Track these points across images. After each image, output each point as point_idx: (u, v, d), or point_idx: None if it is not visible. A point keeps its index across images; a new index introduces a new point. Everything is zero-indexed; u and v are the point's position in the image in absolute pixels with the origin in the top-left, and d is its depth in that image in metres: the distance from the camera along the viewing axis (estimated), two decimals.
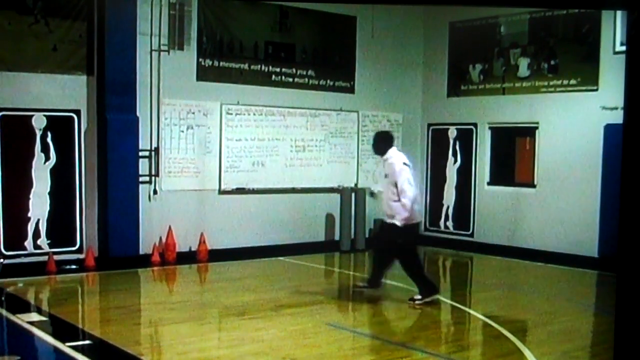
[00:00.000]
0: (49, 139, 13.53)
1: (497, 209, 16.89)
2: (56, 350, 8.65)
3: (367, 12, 17.14)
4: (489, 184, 17.18)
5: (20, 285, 12.29)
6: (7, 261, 12.69)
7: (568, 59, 15.59)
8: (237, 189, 15.70)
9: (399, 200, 10.67)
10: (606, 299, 11.58)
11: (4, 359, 8.08)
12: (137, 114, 14.23)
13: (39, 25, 13.39)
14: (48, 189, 13.57)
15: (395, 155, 11.01)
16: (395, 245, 10.92)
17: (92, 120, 13.99)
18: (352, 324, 10.34)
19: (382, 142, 11.27)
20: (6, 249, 13.19)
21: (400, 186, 10.63)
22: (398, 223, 10.67)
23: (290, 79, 16.40)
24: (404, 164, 10.84)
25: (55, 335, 9.23)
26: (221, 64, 15.41)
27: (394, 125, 18.02)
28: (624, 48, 12.86)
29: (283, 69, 16.28)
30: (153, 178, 14.59)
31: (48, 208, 13.59)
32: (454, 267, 16.14)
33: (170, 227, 14.51)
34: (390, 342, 9.02)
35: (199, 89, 15.15)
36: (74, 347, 8.50)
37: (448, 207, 17.87)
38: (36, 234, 13.52)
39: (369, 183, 17.34)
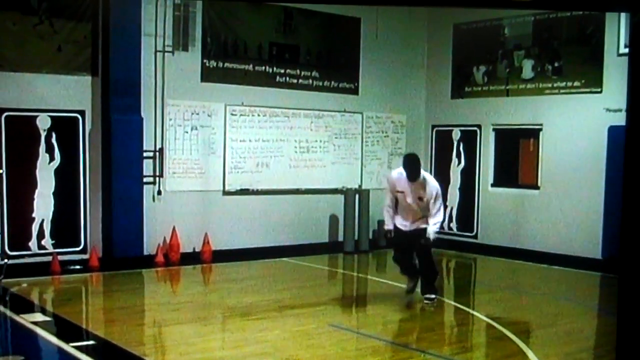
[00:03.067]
0: (53, 140, 13.56)
1: (500, 210, 16.89)
2: (60, 350, 8.67)
3: (371, 13, 17.14)
4: (492, 185, 17.18)
5: (25, 285, 12.30)
6: (11, 261, 12.68)
7: (572, 60, 15.59)
8: (241, 189, 15.71)
9: (427, 214, 10.99)
10: (610, 301, 11.57)
11: (7, 359, 8.09)
12: (142, 114, 14.24)
13: (43, 26, 13.42)
14: (52, 190, 13.60)
15: (429, 177, 11.11)
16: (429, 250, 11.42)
17: (96, 121, 14.01)
18: (356, 325, 10.34)
19: (419, 164, 11.05)
20: (10, 249, 13.21)
21: (438, 207, 10.90)
22: (434, 233, 10.96)
23: (295, 80, 16.42)
24: None
25: (59, 335, 9.24)
26: (225, 65, 15.43)
27: (398, 126, 18.04)
28: (627, 50, 12.85)
29: (287, 70, 16.29)
30: (157, 179, 14.61)
31: (52, 208, 13.62)
32: (457, 269, 16.14)
33: (174, 228, 14.53)
34: (393, 343, 9.04)
35: (204, 90, 15.17)
36: (78, 348, 8.51)
37: (452, 209, 17.85)
38: (40, 234, 13.54)
39: (372, 184, 17.39)
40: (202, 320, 10.09)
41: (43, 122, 13.48)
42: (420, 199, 10.84)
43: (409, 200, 10.90)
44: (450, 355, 8.69)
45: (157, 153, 14.59)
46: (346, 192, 16.69)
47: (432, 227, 10.90)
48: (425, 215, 10.97)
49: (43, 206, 13.54)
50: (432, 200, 10.81)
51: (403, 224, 11.19)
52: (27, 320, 9.77)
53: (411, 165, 10.92)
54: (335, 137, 17.05)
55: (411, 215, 11.07)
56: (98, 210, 14.07)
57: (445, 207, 17.78)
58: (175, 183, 14.84)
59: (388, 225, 11.30)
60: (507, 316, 10.85)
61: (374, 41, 17.40)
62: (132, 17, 14.05)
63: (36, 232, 13.52)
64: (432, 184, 10.87)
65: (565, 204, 15.63)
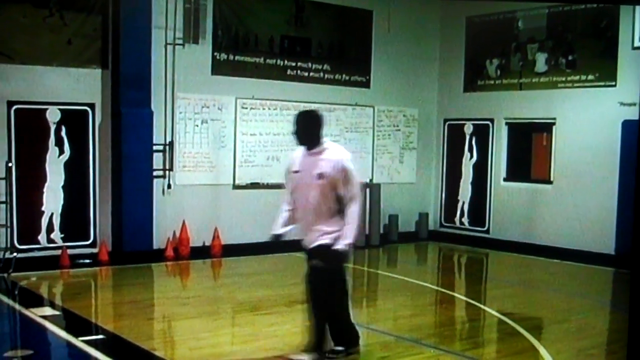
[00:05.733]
0: (63, 133, 13.52)
1: (513, 205, 16.80)
2: (69, 344, 8.66)
3: (384, 6, 17.04)
4: (505, 180, 17.09)
5: (34, 279, 12.32)
6: (20, 255, 12.70)
7: (586, 54, 15.47)
8: (252, 183, 15.66)
9: (339, 211, 7.47)
10: (622, 296, 11.46)
11: (17, 353, 8.08)
12: (152, 107, 14.20)
13: (53, 19, 13.39)
14: (62, 183, 13.56)
15: (335, 146, 7.62)
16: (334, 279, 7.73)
17: (106, 114, 13.98)
18: (366, 320, 10.25)
19: (314, 127, 7.59)
20: (20, 242, 13.19)
21: (353, 190, 7.40)
22: (345, 247, 7.38)
23: (306, 74, 16.35)
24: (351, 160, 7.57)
25: (68, 329, 9.22)
26: (236, 57, 15.37)
27: (410, 120, 17.95)
28: None
29: (298, 63, 16.22)
30: (167, 172, 14.56)
31: (62, 202, 13.59)
32: (469, 264, 16.08)
33: (184, 222, 14.49)
34: (403, 338, 8.97)
35: (214, 83, 15.11)
36: (87, 342, 8.51)
37: (464, 203, 17.79)
38: (50, 228, 13.51)
39: (384, 178, 17.33)
40: (211, 315, 10.06)
41: (53, 115, 13.44)
42: (321, 175, 7.36)
43: (306, 180, 7.49)
44: (461, 351, 8.63)
45: (167, 146, 14.54)
46: None
47: (346, 231, 7.38)
48: (333, 218, 7.47)
49: (52, 200, 13.51)
50: (341, 180, 7.36)
51: (302, 234, 7.81)
52: (36, 314, 9.77)
53: (304, 123, 7.61)
54: (347, 131, 16.97)
55: (310, 215, 7.54)
56: (108, 204, 14.04)
57: (457, 201, 17.85)
58: (185, 177, 14.79)
59: (274, 229, 7.99)
60: (519, 312, 10.78)
61: (386, 34, 17.29)
62: (142, 10, 14.00)
63: (45, 226, 13.48)
64: (339, 154, 7.47)
65: (578, 199, 15.52)
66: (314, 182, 7.37)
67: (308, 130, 7.53)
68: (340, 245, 7.34)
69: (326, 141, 7.57)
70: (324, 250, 7.43)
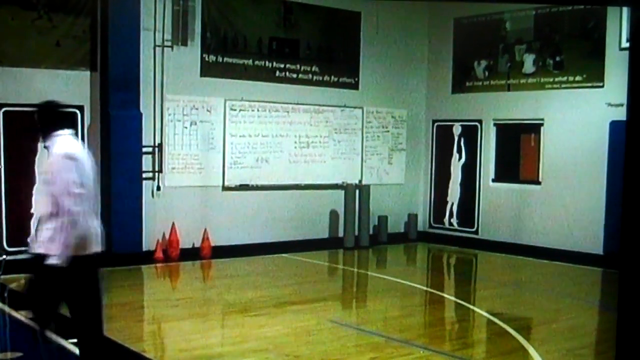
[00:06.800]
0: None
1: (501, 205, 16.84)
2: (58, 347, 8.62)
3: (372, 7, 17.08)
4: (493, 180, 17.13)
5: (23, 281, 12.25)
6: (9, 257, 12.61)
7: (573, 55, 15.53)
8: (241, 185, 15.65)
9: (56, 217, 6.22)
10: (611, 297, 11.52)
11: (6, 355, 8.06)
12: (141, 109, 14.17)
13: (42, 21, 13.35)
14: None
15: (61, 142, 6.35)
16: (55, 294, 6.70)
17: (95, 116, 13.95)
18: (356, 321, 10.30)
19: (42, 119, 6.58)
20: (9, 245, 13.15)
21: (55, 193, 6.14)
22: (54, 261, 6.25)
23: (295, 75, 16.35)
24: (69, 156, 6.21)
25: (57, 331, 9.18)
26: (225, 59, 15.37)
27: (398, 121, 17.98)
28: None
29: (287, 65, 16.23)
30: (156, 174, 14.55)
31: None
32: (458, 264, 16.11)
33: (173, 224, 14.47)
34: (393, 339, 8.98)
35: (203, 85, 15.10)
36: (76, 344, 8.47)
37: (452, 204, 17.82)
38: None
39: (373, 180, 17.35)
40: (201, 317, 10.06)
41: None
42: (42, 174, 6.55)
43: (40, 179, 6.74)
44: (450, 351, 8.66)
45: (156, 148, 14.53)
46: (346, 188, 16.63)
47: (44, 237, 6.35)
48: (51, 223, 6.29)
49: None
50: (53, 178, 6.17)
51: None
52: (26, 316, 9.72)
53: (37, 115, 6.65)
54: (336, 132, 16.99)
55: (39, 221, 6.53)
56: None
57: (446, 201, 17.89)
58: (174, 178, 14.78)
59: None
60: (508, 312, 10.82)
61: (375, 35, 17.32)
62: (131, 12, 13.97)
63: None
64: (57, 148, 6.31)
65: (567, 199, 15.57)
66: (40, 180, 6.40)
67: (38, 123, 6.56)
68: (50, 260, 6.27)
69: (59, 135, 6.40)
70: (36, 262, 6.48)
